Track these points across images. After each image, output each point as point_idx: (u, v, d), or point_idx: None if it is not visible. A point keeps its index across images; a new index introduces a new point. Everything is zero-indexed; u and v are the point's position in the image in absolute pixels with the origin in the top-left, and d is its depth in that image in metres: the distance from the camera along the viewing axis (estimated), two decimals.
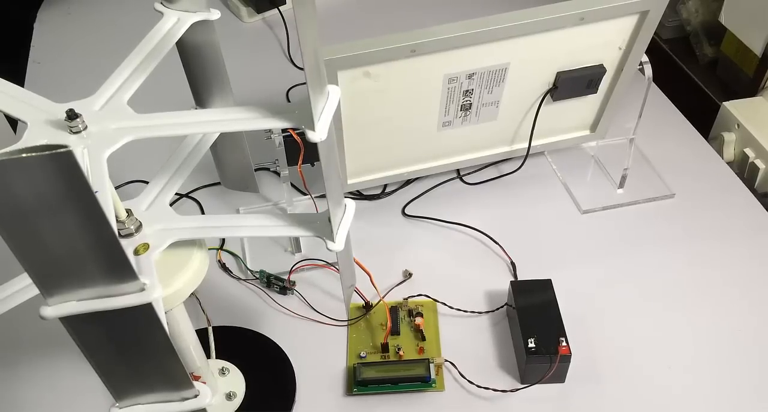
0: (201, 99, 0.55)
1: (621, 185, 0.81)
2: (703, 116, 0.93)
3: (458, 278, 0.73)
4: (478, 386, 0.63)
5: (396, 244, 0.77)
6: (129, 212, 0.44)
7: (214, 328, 0.66)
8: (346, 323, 0.69)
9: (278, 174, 0.73)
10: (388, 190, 0.83)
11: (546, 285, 0.66)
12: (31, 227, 0.31)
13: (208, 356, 0.64)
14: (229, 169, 0.63)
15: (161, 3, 0.49)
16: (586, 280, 0.72)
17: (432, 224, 0.79)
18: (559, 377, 0.63)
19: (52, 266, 0.33)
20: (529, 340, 0.62)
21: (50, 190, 0.29)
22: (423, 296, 0.70)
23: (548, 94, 0.74)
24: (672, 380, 0.64)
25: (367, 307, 0.70)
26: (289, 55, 1.04)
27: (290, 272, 0.73)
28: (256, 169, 0.65)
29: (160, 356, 0.38)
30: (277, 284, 0.72)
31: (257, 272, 0.73)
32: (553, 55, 0.71)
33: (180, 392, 0.41)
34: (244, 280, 0.74)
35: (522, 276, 0.72)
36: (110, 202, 0.39)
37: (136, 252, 0.43)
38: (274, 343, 0.68)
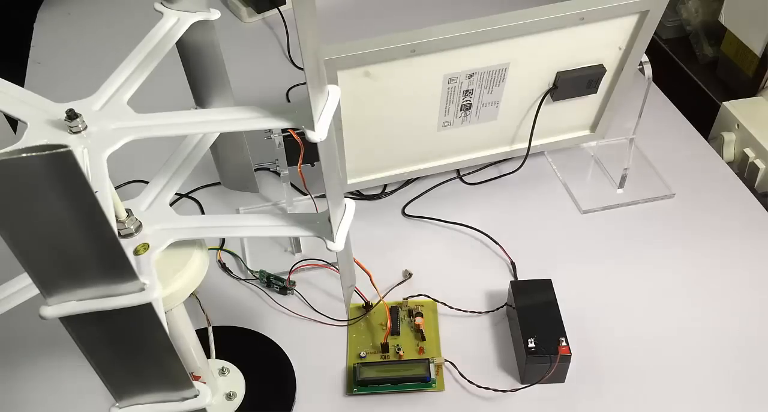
0: (201, 99, 0.55)
1: (621, 185, 0.81)
2: (703, 116, 0.93)
3: (458, 278, 0.73)
4: (478, 386, 0.63)
5: (396, 244, 0.77)
6: (129, 211, 0.44)
7: (214, 328, 0.66)
8: (346, 323, 0.69)
9: (278, 174, 0.73)
10: (388, 190, 0.83)
11: (546, 285, 0.66)
12: (31, 227, 0.31)
13: (208, 356, 0.64)
14: (229, 169, 0.63)
15: (161, 3, 0.49)
16: (586, 280, 0.72)
17: (432, 223, 0.79)
18: (559, 377, 0.63)
19: (52, 265, 0.33)
20: (529, 340, 0.62)
21: (50, 191, 0.29)
22: (423, 296, 0.70)
23: (548, 94, 0.74)
24: (672, 380, 0.64)
25: (367, 307, 0.70)
26: (289, 55, 1.04)
27: (290, 272, 0.73)
28: (256, 169, 0.65)
29: (160, 356, 0.38)
30: (277, 284, 0.72)
31: (257, 272, 0.73)
32: (553, 55, 0.71)
33: (180, 392, 0.41)
34: (244, 280, 0.74)
35: (522, 276, 0.72)
36: (110, 203, 0.39)
37: (136, 252, 0.43)
38: (274, 343, 0.68)
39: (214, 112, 0.44)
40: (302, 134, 0.41)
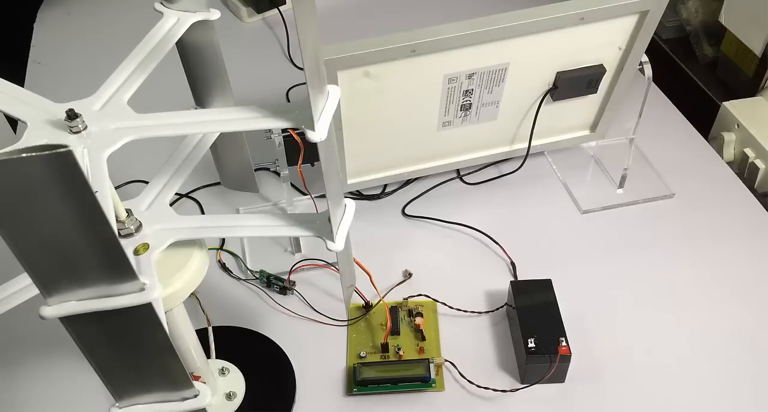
0: (201, 99, 0.55)
1: (621, 185, 0.81)
2: (703, 116, 0.93)
3: (458, 278, 0.73)
4: (478, 386, 0.63)
5: (396, 244, 0.77)
6: (129, 211, 0.44)
7: (214, 328, 0.66)
8: (346, 323, 0.69)
9: (278, 174, 0.73)
10: (388, 190, 0.83)
11: (546, 285, 0.66)
12: (30, 227, 0.31)
13: (208, 356, 0.64)
14: (229, 169, 0.63)
15: (161, 3, 0.49)
16: (586, 280, 0.72)
17: (432, 224, 0.79)
18: (559, 377, 0.63)
19: (52, 265, 0.33)
20: (529, 340, 0.62)
21: (50, 191, 0.29)
22: (423, 296, 0.70)
23: (548, 94, 0.74)
24: (672, 380, 0.64)
25: (367, 307, 0.70)
26: (289, 55, 1.04)
27: (290, 272, 0.73)
28: (256, 169, 0.65)
29: (160, 356, 0.38)
30: (277, 284, 0.72)
31: (257, 272, 0.73)
32: (553, 55, 0.71)
33: (180, 392, 0.41)
34: (244, 280, 0.74)
35: (522, 276, 0.72)
36: (110, 203, 0.39)
37: (136, 252, 0.43)
38: (274, 343, 0.68)
39: (214, 112, 0.44)
40: (302, 134, 0.41)
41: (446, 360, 0.65)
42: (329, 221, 0.47)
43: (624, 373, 0.65)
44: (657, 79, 0.73)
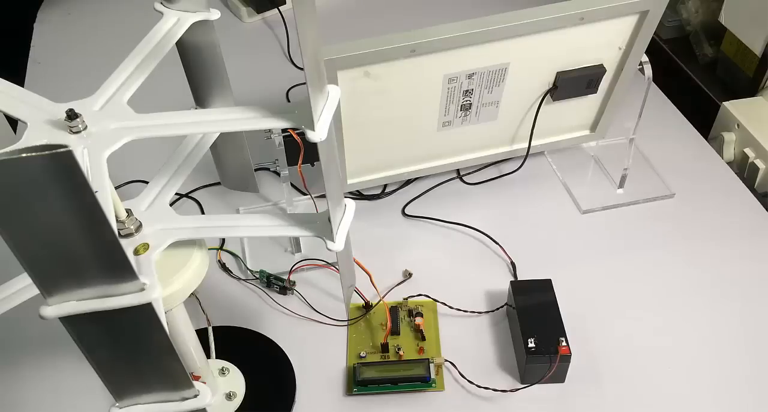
0: (201, 99, 0.55)
1: (621, 185, 0.81)
2: (703, 116, 0.93)
3: (458, 278, 0.73)
4: (478, 386, 0.63)
5: (396, 244, 0.77)
6: (129, 211, 0.44)
7: (214, 328, 0.66)
8: (346, 323, 0.69)
9: (278, 174, 0.73)
10: (388, 190, 0.83)
11: (546, 285, 0.66)
12: (31, 227, 0.31)
13: (208, 356, 0.64)
14: (229, 169, 0.63)
15: (161, 3, 0.49)
16: (586, 280, 0.72)
17: (432, 224, 0.79)
18: (559, 377, 0.63)
19: (52, 265, 0.33)
20: (529, 340, 0.62)
21: (50, 190, 0.29)
22: (423, 296, 0.70)
23: (548, 94, 0.74)
24: (672, 380, 0.64)
25: (367, 307, 0.70)
26: (289, 55, 1.04)
27: (290, 272, 0.73)
28: (256, 169, 0.65)
29: (160, 356, 0.38)
30: (277, 284, 0.72)
31: (257, 272, 0.73)
32: (553, 55, 0.71)
33: (180, 392, 0.41)
34: (244, 280, 0.74)
35: (522, 276, 0.72)
36: (110, 203, 0.39)
37: (136, 252, 0.43)
38: (274, 343, 0.68)
39: (214, 112, 0.44)
40: (302, 134, 0.41)
41: (446, 360, 0.65)
42: (329, 221, 0.47)
43: (624, 373, 0.65)
44: (657, 79, 0.73)
